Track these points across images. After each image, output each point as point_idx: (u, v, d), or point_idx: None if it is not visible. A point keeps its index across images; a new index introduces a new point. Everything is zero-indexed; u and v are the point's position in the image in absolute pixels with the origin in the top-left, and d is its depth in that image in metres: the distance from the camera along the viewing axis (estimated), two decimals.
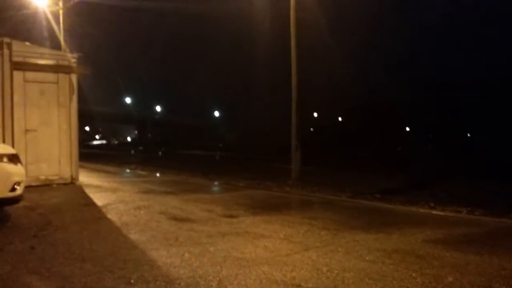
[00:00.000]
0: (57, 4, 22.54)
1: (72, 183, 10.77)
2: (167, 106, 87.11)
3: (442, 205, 8.42)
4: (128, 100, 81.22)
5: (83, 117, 17.37)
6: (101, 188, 10.37)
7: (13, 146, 8.98)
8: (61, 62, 10.85)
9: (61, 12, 22.47)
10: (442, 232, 6.09)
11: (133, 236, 5.67)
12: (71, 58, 11.02)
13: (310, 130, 60.33)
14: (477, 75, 66.39)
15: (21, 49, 10.26)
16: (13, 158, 6.59)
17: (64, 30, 22.33)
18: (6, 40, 10.04)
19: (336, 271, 4.31)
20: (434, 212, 7.89)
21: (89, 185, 10.80)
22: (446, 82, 67.29)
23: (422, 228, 6.29)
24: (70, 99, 10.88)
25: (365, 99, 63.67)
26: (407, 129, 74.02)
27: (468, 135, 64.76)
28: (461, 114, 62.26)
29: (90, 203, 8.23)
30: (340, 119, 73.48)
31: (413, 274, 4.24)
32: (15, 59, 10.04)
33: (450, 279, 4.11)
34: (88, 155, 21.51)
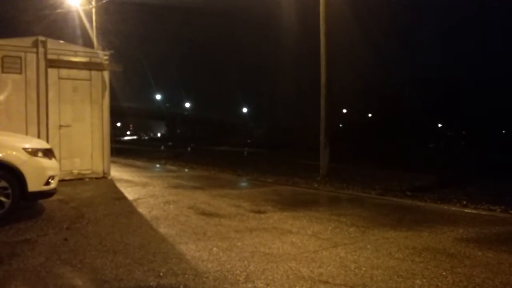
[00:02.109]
0: (90, 3, 23.04)
1: (104, 178, 11.01)
2: (196, 103, 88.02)
3: (475, 203, 8.20)
4: (158, 96, 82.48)
5: (115, 113, 17.67)
6: (132, 183, 10.56)
7: (47, 141, 9.25)
8: (93, 60, 11.09)
9: (93, 10, 22.95)
10: (475, 231, 5.95)
11: (163, 230, 5.76)
12: (103, 56, 11.24)
13: (339, 126, 59.84)
14: None
15: (55, 47, 10.53)
16: (48, 153, 6.77)
17: (96, 28, 22.81)
18: (41, 38, 10.33)
19: (364, 268, 4.27)
20: (466, 210, 7.70)
21: (120, 180, 11.02)
22: (481, 78, 65.56)
23: (454, 226, 6.16)
24: (103, 96, 11.12)
25: (395, 95, 62.69)
26: (440, 125, 72.50)
27: (503, 131, 62.87)
28: (496, 110, 60.56)
29: (121, 197, 8.39)
30: (370, 115, 72.53)
31: (444, 273, 4.16)
32: (50, 57, 10.32)
33: (482, 278, 4.02)
34: (119, 150, 21.96)
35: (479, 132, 58.96)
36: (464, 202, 8.30)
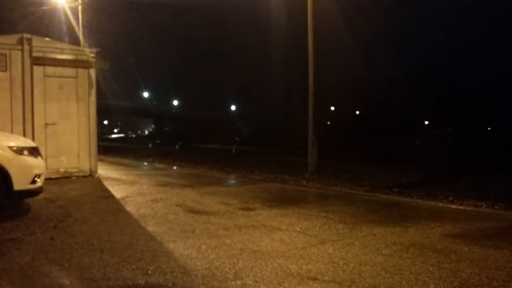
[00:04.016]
0: (76, 0, 22.81)
1: (91, 176, 10.93)
2: (184, 101, 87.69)
3: (461, 199, 8.30)
4: (145, 94, 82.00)
5: (102, 111, 17.56)
6: (119, 181, 10.49)
7: (33, 140, 9.15)
8: (80, 57, 10.98)
9: (80, 7, 22.73)
10: (461, 226, 6.02)
11: (151, 228, 5.73)
12: (90, 53, 11.14)
13: (327, 123, 60.05)
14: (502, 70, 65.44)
15: (41, 45, 10.41)
16: (34, 151, 6.70)
17: (82, 25, 22.60)
18: (26, 35, 10.20)
19: (352, 265, 4.29)
20: (453, 206, 7.79)
21: (107, 178, 10.94)
22: (467, 76, 66.38)
23: (440, 222, 6.22)
24: (89, 93, 11.01)
25: (383, 92, 63.11)
26: (426, 122, 73.24)
27: (489, 128, 63.71)
28: (482, 107, 61.36)
29: (109, 196, 8.33)
30: (357, 112, 72.90)
31: (431, 268, 4.20)
32: (35, 54, 10.19)
33: (468, 273, 4.07)
34: (106, 148, 21.79)
35: (465, 129, 59.69)
36: (451, 198, 8.39)
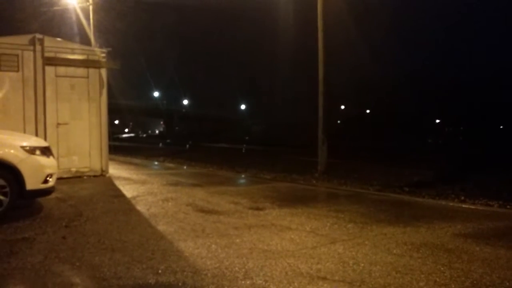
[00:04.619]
0: (87, 0, 22.98)
1: (102, 175, 11.00)
2: (194, 100, 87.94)
3: (473, 198, 8.23)
4: (156, 94, 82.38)
5: (113, 110, 17.68)
6: (130, 180, 10.55)
7: (45, 139, 9.23)
8: (91, 57, 11.05)
9: (91, 8, 22.89)
10: (472, 226, 5.97)
11: (161, 227, 5.76)
12: (101, 53, 11.21)
13: (337, 122, 59.88)
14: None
15: (52, 45, 10.49)
16: (46, 151, 6.76)
17: (94, 25, 22.74)
18: (38, 36, 10.29)
19: (362, 264, 4.28)
20: (464, 205, 7.72)
21: (118, 177, 11.00)
22: (479, 75, 65.80)
23: (451, 222, 6.18)
24: (100, 93, 11.09)
25: (393, 91, 62.76)
26: (437, 121, 72.72)
27: (501, 127, 63.01)
28: (494, 106, 60.73)
29: (120, 195, 8.38)
30: (368, 111, 72.56)
31: (442, 268, 4.18)
32: (47, 54, 10.28)
33: (480, 273, 4.04)
34: (117, 147, 21.89)
35: (477, 127, 59.14)
36: (462, 198, 8.33)
